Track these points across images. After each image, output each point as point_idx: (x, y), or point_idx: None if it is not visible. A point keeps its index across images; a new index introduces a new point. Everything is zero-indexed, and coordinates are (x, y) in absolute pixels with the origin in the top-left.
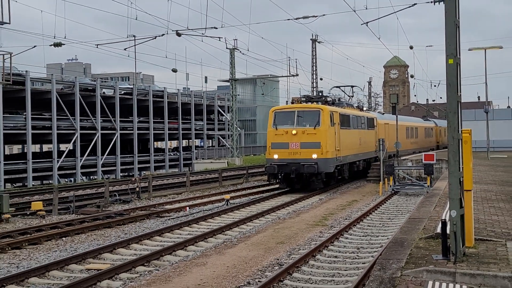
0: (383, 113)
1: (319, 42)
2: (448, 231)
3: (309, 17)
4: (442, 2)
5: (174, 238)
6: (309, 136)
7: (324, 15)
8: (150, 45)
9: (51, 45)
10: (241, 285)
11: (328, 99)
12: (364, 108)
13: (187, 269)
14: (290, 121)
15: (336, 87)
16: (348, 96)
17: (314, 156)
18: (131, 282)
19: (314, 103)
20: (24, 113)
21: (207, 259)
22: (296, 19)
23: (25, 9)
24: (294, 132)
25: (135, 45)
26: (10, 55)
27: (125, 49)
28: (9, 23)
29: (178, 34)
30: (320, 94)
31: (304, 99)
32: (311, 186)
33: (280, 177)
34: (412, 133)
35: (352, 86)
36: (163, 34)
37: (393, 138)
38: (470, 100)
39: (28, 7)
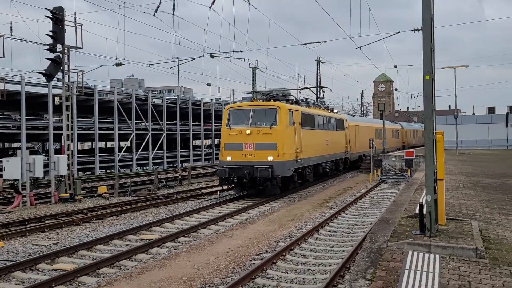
0: (353, 115)
1: (322, 63)
2: (424, 212)
3: (314, 42)
4: (421, 31)
5: (208, 216)
6: (264, 136)
7: (326, 41)
8: (190, 65)
9: (113, 65)
10: (260, 253)
11: (291, 97)
12: (335, 110)
13: (218, 240)
14: (245, 120)
15: (306, 88)
16: (318, 97)
17: (270, 158)
18: (174, 249)
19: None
20: (93, 118)
21: (233, 232)
22: (304, 44)
23: (94, 37)
24: (248, 132)
25: (178, 65)
26: (82, 72)
27: (170, 68)
28: (82, 48)
29: (212, 56)
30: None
31: (265, 97)
32: (265, 192)
33: (234, 181)
34: (381, 135)
35: (321, 87)
36: (200, 56)
37: (363, 139)
38: (442, 108)
39: (96, 35)
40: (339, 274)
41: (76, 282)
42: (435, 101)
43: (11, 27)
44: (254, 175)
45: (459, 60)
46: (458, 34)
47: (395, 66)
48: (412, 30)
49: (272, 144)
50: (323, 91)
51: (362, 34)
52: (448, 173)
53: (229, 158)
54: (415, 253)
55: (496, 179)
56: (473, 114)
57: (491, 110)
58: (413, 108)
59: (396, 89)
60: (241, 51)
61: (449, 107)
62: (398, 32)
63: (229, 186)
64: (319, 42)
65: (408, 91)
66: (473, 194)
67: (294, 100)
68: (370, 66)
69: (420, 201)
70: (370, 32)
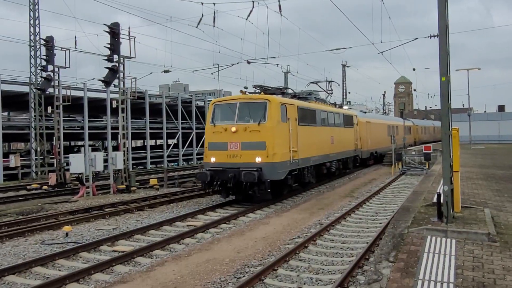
0: (365, 112)
1: (347, 67)
2: (441, 201)
3: (340, 48)
4: (437, 37)
5: (246, 205)
6: (252, 134)
7: (351, 47)
8: (229, 70)
9: (162, 71)
10: (293, 238)
11: (289, 91)
12: (346, 107)
13: (255, 226)
14: (230, 115)
15: (313, 82)
16: (327, 92)
17: (258, 159)
18: (217, 234)
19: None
20: (144, 118)
21: (269, 219)
22: (331, 50)
23: (145, 48)
24: (233, 129)
25: (218, 71)
26: (135, 79)
27: (211, 73)
28: (135, 57)
29: (248, 62)
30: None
31: (258, 90)
32: (253, 198)
33: (217, 185)
34: (394, 131)
35: (329, 81)
36: (238, 63)
37: (375, 136)
38: (457, 107)
39: (147, 46)
40: (364, 257)
41: (133, 262)
42: (450, 100)
43: (75, 41)
44: (240, 179)
45: (467, 63)
46: (465, 41)
47: (414, 69)
48: (428, 36)
49: (260, 143)
50: (346, 92)
51: (383, 41)
52: (463, 165)
53: (213, 160)
54: (433, 238)
55: (505, 170)
56: (485, 112)
57: (501, 108)
58: (430, 107)
59: (414, 90)
60: (274, 57)
61: (463, 106)
62: (416, 38)
63: (213, 190)
64: (344, 48)
65: (425, 91)
66: (485, 184)
67: (293, 94)
68: (391, 69)
69: (438, 191)
70: (390, 39)
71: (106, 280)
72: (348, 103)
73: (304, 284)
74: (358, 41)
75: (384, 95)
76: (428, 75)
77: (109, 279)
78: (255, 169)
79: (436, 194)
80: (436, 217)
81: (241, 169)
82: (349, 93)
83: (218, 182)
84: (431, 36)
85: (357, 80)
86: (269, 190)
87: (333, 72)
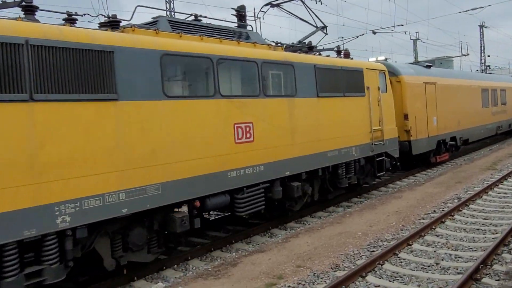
0: (425, 65)
1: (485, 28)
2: None
3: (476, 8)
4: None
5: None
6: None
7: (489, 5)
8: (353, 42)
9: None
10: (428, 212)
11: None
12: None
13: (387, 201)
14: None
15: (270, 4)
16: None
17: None
18: (348, 208)
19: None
20: None
21: (402, 193)
22: (465, 11)
23: (270, 27)
24: None
25: (343, 44)
26: None
27: (336, 47)
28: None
29: (374, 33)
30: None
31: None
32: None
33: None
34: (495, 98)
35: None
36: (362, 34)
37: (448, 110)
38: None
39: (271, 25)
40: (511, 234)
41: (269, 233)
42: None
43: None
44: None
45: None
46: None
47: None
48: None
49: None
50: (484, 56)
51: None
52: None
53: None
54: None
55: None
56: None
57: None
58: None
59: None
60: (402, 25)
61: None
62: None
63: None
64: (481, 7)
65: None
66: None
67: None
68: None
69: None
70: None
71: (246, 249)
72: (488, 67)
73: (442, 260)
74: None
75: None
76: None
77: (248, 248)
78: None
79: None
80: None
81: None
82: (488, 56)
83: None
84: None
85: (498, 41)
86: None
87: (469, 34)
